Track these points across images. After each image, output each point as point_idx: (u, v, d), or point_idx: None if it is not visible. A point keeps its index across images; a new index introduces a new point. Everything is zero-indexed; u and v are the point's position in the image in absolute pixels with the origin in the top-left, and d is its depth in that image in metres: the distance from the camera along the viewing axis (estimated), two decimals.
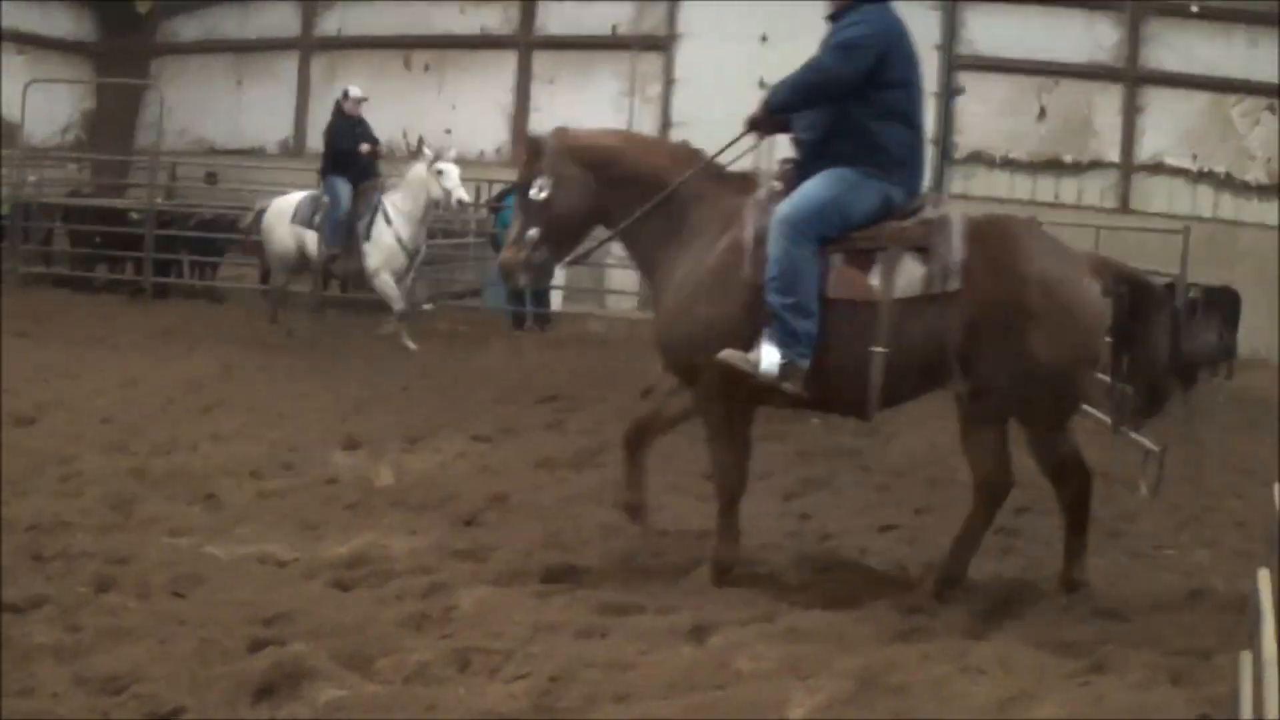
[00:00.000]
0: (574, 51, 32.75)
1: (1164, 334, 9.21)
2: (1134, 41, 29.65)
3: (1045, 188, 30.05)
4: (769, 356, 8.70)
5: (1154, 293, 9.31)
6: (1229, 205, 29.37)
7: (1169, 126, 29.75)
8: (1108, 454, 14.74)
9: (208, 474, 11.22)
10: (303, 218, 21.27)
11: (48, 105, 31.66)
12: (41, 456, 11.44)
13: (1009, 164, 30.36)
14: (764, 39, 29.09)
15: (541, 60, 33.17)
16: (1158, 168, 29.79)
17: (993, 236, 8.94)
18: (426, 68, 33.97)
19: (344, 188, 20.99)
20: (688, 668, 7.17)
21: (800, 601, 8.74)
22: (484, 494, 11.15)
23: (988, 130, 30.47)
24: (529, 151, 9.47)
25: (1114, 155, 29.90)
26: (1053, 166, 30.14)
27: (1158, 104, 29.83)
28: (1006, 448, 9.12)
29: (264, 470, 11.60)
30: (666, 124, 31.28)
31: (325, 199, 21.19)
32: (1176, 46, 29.55)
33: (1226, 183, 29.35)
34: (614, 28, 32.32)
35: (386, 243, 20.74)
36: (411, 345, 20.32)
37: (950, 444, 11.11)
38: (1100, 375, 9.94)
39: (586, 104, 31.77)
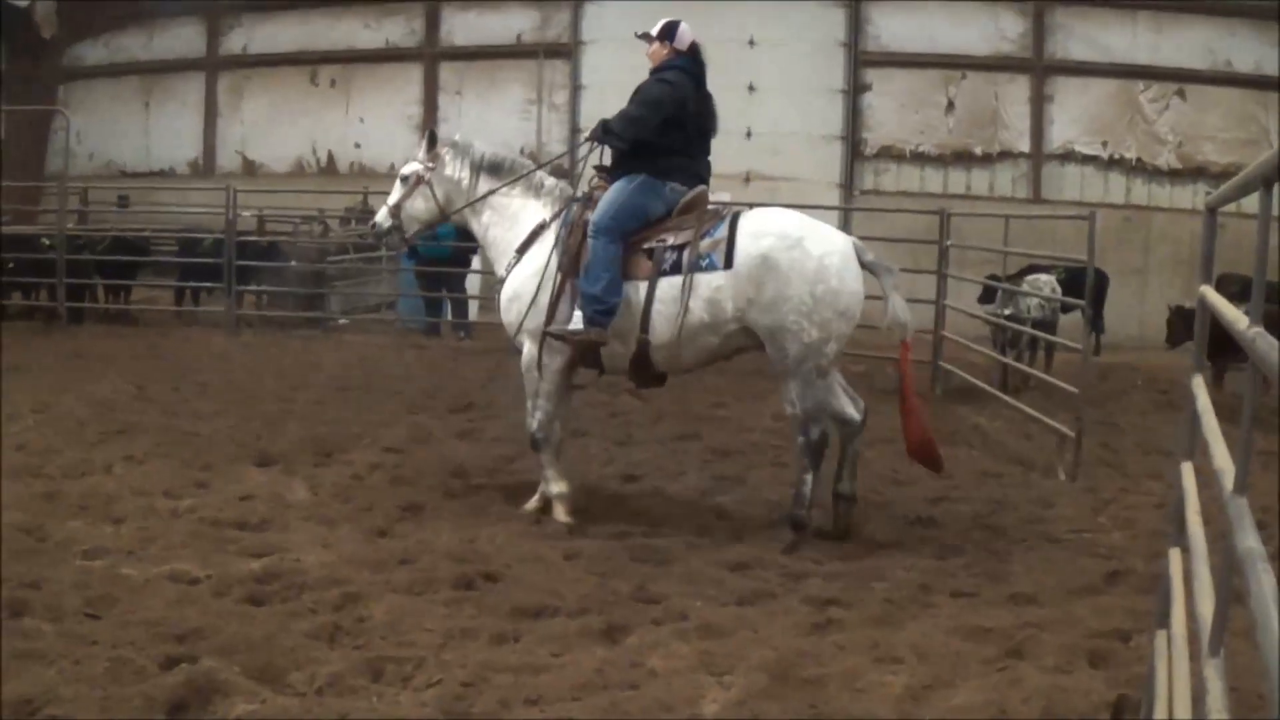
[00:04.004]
0: (480, 61, 32.85)
1: None
2: (1039, 31, 29.95)
3: (957, 180, 30.27)
4: None
5: None
6: (1141, 190, 29.66)
7: (1077, 115, 30.06)
8: (1025, 441, 14.90)
9: (121, 495, 11.10)
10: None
11: None
12: None
13: (919, 158, 30.59)
14: None
15: (448, 71, 33.27)
16: (1068, 156, 30.10)
17: None
18: (333, 83, 34.00)
19: None
20: (601, 668, 7.20)
21: (714, 598, 8.79)
22: (397, 505, 11.11)
23: (896, 125, 30.68)
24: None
25: (1024, 145, 30.23)
26: (963, 158, 30.41)
27: (1065, 93, 30.16)
28: None
29: (177, 489, 11.47)
30: (574, 130, 31.34)
31: None
32: (1082, 35, 29.84)
33: (1138, 168, 29.65)
34: (519, 36, 32.41)
35: None
36: None
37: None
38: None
39: (494, 113, 31.95)
